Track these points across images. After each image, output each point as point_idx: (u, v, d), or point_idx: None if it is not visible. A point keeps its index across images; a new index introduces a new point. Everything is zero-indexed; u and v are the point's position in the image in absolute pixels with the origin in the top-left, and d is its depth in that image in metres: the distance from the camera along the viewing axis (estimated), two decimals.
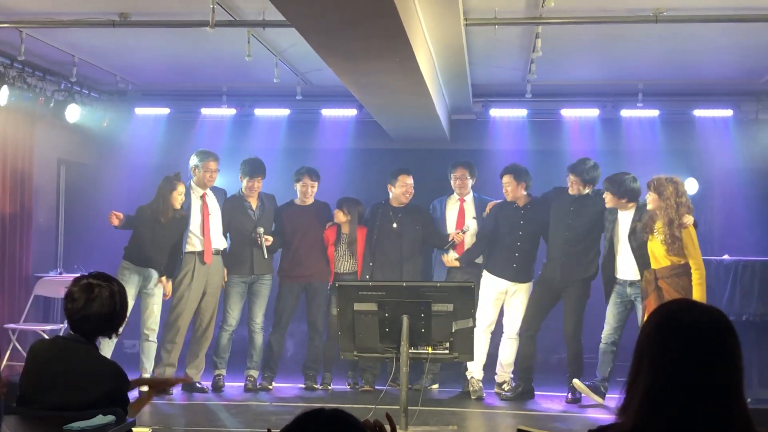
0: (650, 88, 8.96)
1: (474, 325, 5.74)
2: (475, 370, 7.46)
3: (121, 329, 3.47)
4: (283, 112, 9.62)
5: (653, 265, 6.76)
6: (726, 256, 7.80)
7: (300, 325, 8.32)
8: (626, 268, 7.06)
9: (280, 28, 6.33)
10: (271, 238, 7.63)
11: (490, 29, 6.43)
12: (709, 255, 8.42)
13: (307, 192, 7.88)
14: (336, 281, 6.81)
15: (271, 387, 7.75)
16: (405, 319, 5.43)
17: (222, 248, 7.70)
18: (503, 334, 7.56)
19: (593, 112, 9.29)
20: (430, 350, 5.59)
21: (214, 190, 7.81)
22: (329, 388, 7.76)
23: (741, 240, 8.80)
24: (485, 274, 7.52)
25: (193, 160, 7.65)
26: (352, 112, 9.45)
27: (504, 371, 7.55)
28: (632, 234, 6.96)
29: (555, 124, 9.45)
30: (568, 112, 9.36)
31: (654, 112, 9.19)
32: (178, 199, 7.36)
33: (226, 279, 7.74)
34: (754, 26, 6.51)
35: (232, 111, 9.62)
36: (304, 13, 4.89)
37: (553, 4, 5.41)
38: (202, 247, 7.56)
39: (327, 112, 9.59)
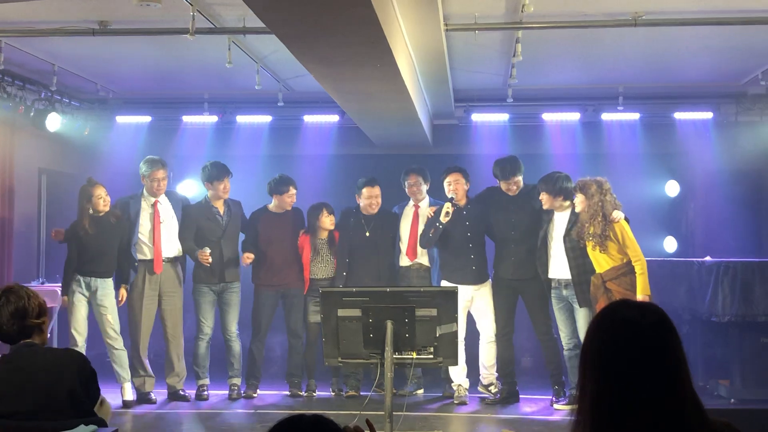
0: (630, 92, 9.02)
1: (457, 330, 5.74)
2: (459, 378, 7.46)
3: (48, 318, 3.53)
4: (265, 118, 9.61)
5: (598, 270, 6.78)
6: (708, 258, 7.84)
7: (279, 332, 8.29)
8: (558, 267, 7.07)
9: (260, 35, 6.33)
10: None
11: (471, 34, 6.46)
12: (690, 257, 8.50)
13: (292, 202, 7.85)
14: (318, 287, 6.79)
15: (255, 395, 7.73)
16: (389, 325, 5.42)
17: (174, 256, 7.58)
18: (480, 339, 7.53)
19: (574, 116, 9.34)
20: (414, 355, 5.57)
21: (171, 196, 7.72)
22: (314, 394, 7.74)
23: (722, 241, 8.87)
24: (444, 284, 7.46)
25: (142, 168, 7.53)
26: (334, 118, 9.45)
27: (489, 373, 7.54)
28: (567, 235, 6.99)
29: (536, 128, 9.49)
30: (549, 116, 9.41)
31: (634, 116, 9.25)
32: (98, 204, 7.18)
33: (182, 284, 7.66)
34: (733, 29, 6.57)
35: (214, 118, 9.60)
36: (283, 19, 4.88)
37: (532, 9, 5.45)
38: (152, 256, 7.47)
39: (309, 119, 9.59)
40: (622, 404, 1.94)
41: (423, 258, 7.73)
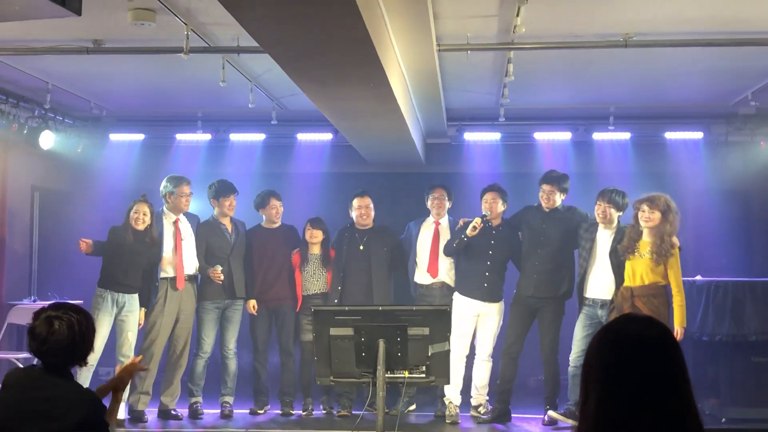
0: (621, 111, 9.08)
1: (449, 349, 5.75)
2: (452, 395, 7.46)
3: (89, 357, 3.45)
4: (259, 136, 9.65)
5: (628, 283, 6.68)
6: (699, 277, 7.88)
7: (270, 351, 8.27)
8: (601, 286, 7.00)
9: (254, 54, 6.36)
10: (222, 276, 7.54)
11: (463, 54, 6.50)
12: (682, 276, 8.52)
13: (278, 213, 7.87)
14: (310, 305, 6.79)
15: (262, 411, 7.74)
16: (381, 344, 5.42)
17: (193, 274, 7.64)
18: (476, 357, 7.54)
19: (566, 135, 9.40)
20: (406, 374, 5.58)
21: (187, 215, 7.77)
22: (313, 413, 7.72)
23: (713, 261, 8.89)
24: (456, 296, 7.49)
25: (166, 187, 7.58)
26: (327, 137, 9.49)
27: (479, 394, 7.54)
28: (613, 252, 6.92)
29: (528, 147, 9.54)
30: (541, 135, 9.47)
31: (625, 135, 9.31)
32: (134, 218, 7.20)
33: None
34: (723, 50, 6.62)
35: (207, 136, 9.63)
36: (277, 39, 4.92)
37: (524, 30, 5.49)
38: (175, 273, 7.51)
39: (302, 137, 9.63)
40: (625, 418, 1.95)
41: (447, 277, 7.69)
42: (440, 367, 5.57)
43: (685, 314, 6.60)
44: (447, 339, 5.53)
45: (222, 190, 7.74)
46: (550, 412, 7.22)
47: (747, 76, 7.72)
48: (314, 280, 7.77)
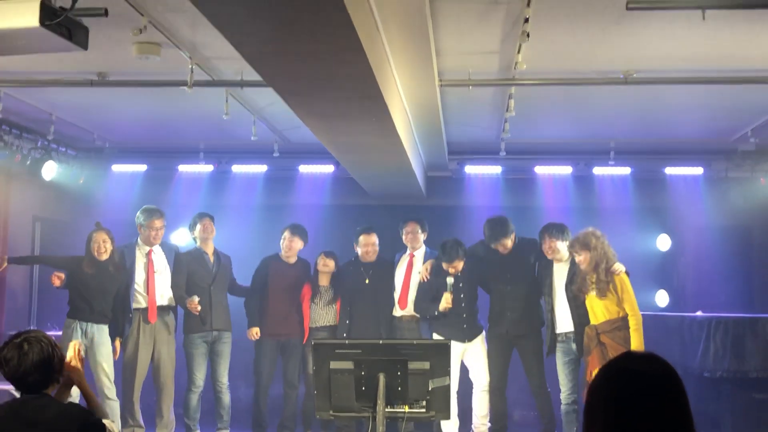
0: (622, 147, 9.13)
1: (449, 384, 5.73)
2: (449, 430, 7.41)
3: (62, 374, 3.44)
4: (261, 168, 9.67)
5: (592, 321, 6.72)
6: (699, 313, 7.87)
7: (276, 383, 8.23)
8: (564, 320, 7.02)
9: (257, 87, 6.41)
10: (199, 307, 7.47)
11: (465, 90, 6.55)
12: (682, 311, 8.52)
13: (291, 249, 7.87)
14: (312, 339, 6.78)
15: None
16: (381, 378, 5.40)
17: (166, 305, 7.54)
18: (474, 389, 7.50)
19: (566, 170, 9.43)
20: (406, 409, 5.55)
21: (164, 246, 7.70)
22: None
23: (713, 297, 8.89)
24: (436, 337, 7.40)
25: (139, 218, 7.54)
26: (329, 169, 9.52)
27: (481, 423, 7.49)
28: (569, 285, 6.96)
29: (529, 181, 9.57)
30: (541, 170, 9.50)
31: (626, 170, 9.35)
32: (94, 247, 7.16)
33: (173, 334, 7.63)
34: (723, 87, 6.67)
35: (210, 167, 9.66)
36: (281, 75, 4.96)
37: (525, 66, 5.53)
38: (146, 304, 7.46)
39: (304, 169, 9.66)
40: None
41: (413, 308, 7.71)
42: (441, 401, 5.54)
43: (641, 338, 6.53)
44: (447, 373, 5.51)
45: (196, 219, 7.73)
46: None
47: (747, 113, 7.77)
48: (323, 313, 7.77)
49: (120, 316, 7.34)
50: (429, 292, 7.44)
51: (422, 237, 7.84)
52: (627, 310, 6.61)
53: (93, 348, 7.15)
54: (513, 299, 7.33)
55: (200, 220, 7.72)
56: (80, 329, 7.13)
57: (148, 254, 7.55)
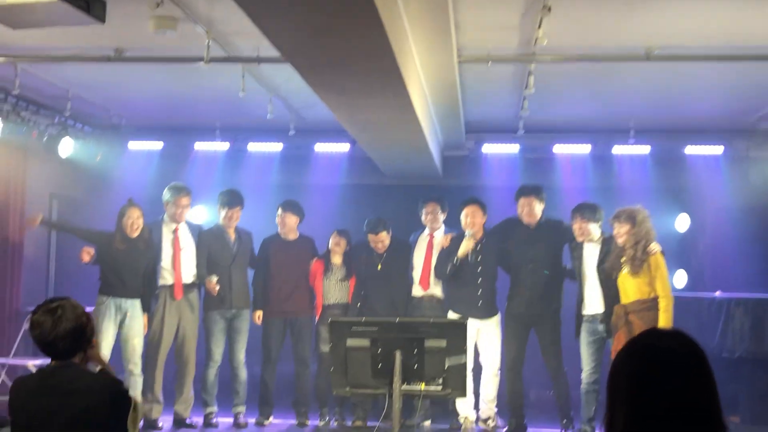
0: (641, 125, 9.04)
1: (466, 362, 5.71)
2: (466, 410, 7.41)
3: (94, 340, 3.44)
4: (276, 147, 9.65)
5: (623, 300, 6.63)
6: (718, 293, 7.81)
7: (287, 361, 8.25)
8: (593, 301, 6.95)
9: (273, 64, 6.37)
10: (217, 287, 7.49)
11: (484, 66, 6.49)
12: (701, 291, 8.46)
13: (286, 225, 7.85)
14: (327, 316, 6.77)
15: (267, 422, 7.72)
16: (398, 355, 5.40)
17: (191, 282, 7.59)
18: (483, 372, 7.47)
19: (585, 149, 9.35)
20: (422, 386, 5.55)
21: (189, 224, 7.74)
22: (329, 423, 7.70)
23: (733, 277, 8.82)
24: (451, 314, 7.42)
25: (165, 195, 7.58)
26: (345, 147, 9.48)
27: (488, 407, 7.48)
28: (600, 266, 6.89)
29: (547, 161, 9.49)
30: (560, 149, 9.42)
31: (645, 149, 9.25)
32: (128, 224, 7.19)
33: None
34: (745, 65, 6.59)
35: (225, 145, 9.64)
36: (299, 50, 4.92)
37: (546, 42, 5.46)
38: (173, 281, 7.50)
39: (320, 147, 9.62)
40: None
41: (436, 289, 7.67)
42: (457, 379, 5.53)
43: (670, 320, 6.43)
44: (464, 352, 5.50)
45: (232, 201, 7.72)
46: None
47: None
48: (336, 290, 7.76)
49: (147, 292, 7.38)
50: (448, 258, 7.41)
51: (442, 217, 7.80)
52: (658, 290, 6.48)
53: (126, 323, 7.21)
54: (533, 278, 7.28)
55: (230, 207, 7.69)
56: (114, 305, 7.17)
57: (175, 231, 7.59)
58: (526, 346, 7.45)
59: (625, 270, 6.57)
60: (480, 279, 7.39)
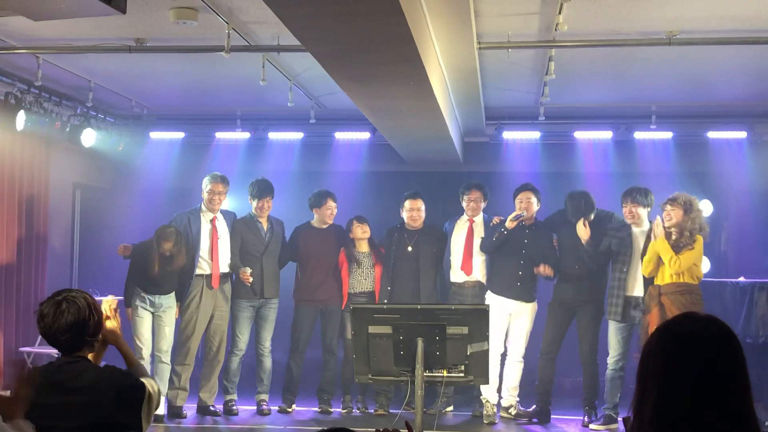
0: (663, 110, 8.96)
1: (488, 348, 5.72)
2: (489, 394, 7.42)
3: (100, 336, 3.38)
4: (297, 135, 9.67)
5: (658, 281, 6.75)
6: (742, 278, 7.76)
7: (313, 348, 8.28)
8: (637, 286, 7.06)
9: (294, 53, 6.37)
10: (251, 279, 7.55)
11: (504, 52, 6.46)
12: (724, 277, 8.40)
13: (332, 214, 7.89)
14: (351, 304, 6.80)
15: (290, 410, 7.77)
16: (420, 342, 5.41)
17: (227, 272, 7.69)
18: (507, 358, 7.51)
19: (606, 135, 9.29)
20: (445, 373, 5.55)
21: (224, 213, 7.82)
22: (352, 411, 7.75)
23: (756, 262, 8.76)
24: (489, 294, 7.48)
25: (204, 183, 7.69)
26: (365, 135, 9.48)
27: (510, 395, 7.50)
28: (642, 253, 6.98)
29: (568, 147, 9.45)
30: (581, 135, 9.36)
31: (667, 134, 9.18)
32: (164, 248, 7.24)
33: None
34: None
35: (246, 135, 9.67)
36: (319, 38, 4.92)
37: (566, 27, 5.43)
38: (210, 271, 7.58)
39: (340, 135, 9.63)
40: (684, 416, 1.92)
41: (480, 275, 7.68)
42: (479, 366, 5.54)
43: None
44: (486, 338, 5.50)
45: (262, 191, 7.76)
46: (592, 426, 7.18)
47: None
48: (362, 279, 7.79)
49: (184, 281, 7.50)
50: (494, 232, 7.47)
51: (483, 205, 7.82)
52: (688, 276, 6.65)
53: (159, 312, 7.34)
54: (584, 265, 7.33)
55: (261, 197, 7.74)
56: (148, 300, 7.33)
57: (212, 221, 7.66)
58: (565, 334, 7.49)
59: (669, 248, 6.64)
60: (522, 261, 7.44)
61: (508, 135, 9.49)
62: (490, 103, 8.52)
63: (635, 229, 7.14)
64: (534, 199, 7.49)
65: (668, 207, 6.73)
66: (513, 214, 7.37)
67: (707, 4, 5.66)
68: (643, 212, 7.10)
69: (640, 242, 7.06)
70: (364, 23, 4.54)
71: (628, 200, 7.13)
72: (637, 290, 7.06)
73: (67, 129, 8.34)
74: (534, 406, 7.49)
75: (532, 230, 7.52)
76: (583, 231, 7.27)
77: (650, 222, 7.02)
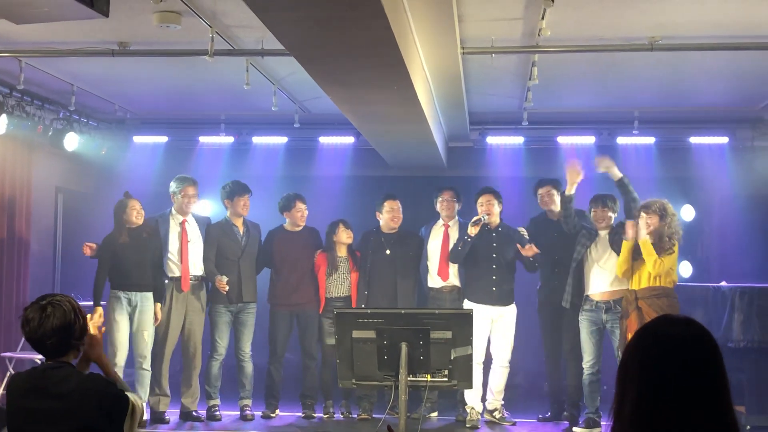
0: (646, 116, 9.01)
1: (472, 353, 5.72)
2: (473, 400, 7.42)
3: (88, 338, 3.37)
4: (281, 139, 9.66)
5: (633, 286, 6.81)
6: (723, 283, 7.80)
7: (293, 353, 8.26)
8: (596, 285, 7.12)
9: (278, 57, 6.37)
10: (227, 288, 7.51)
11: (487, 58, 6.48)
12: (706, 281, 8.44)
13: (303, 216, 7.87)
14: (333, 308, 6.79)
15: (274, 415, 7.73)
16: (404, 347, 5.41)
17: (200, 275, 7.63)
18: (493, 363, 7.50)
19: (589, 140, 9.32)
20: (429, 378, 5.55)
21: (197, 217, 7.78)
22: (333, 416, 7.72)
23: (738, 266, 8.81)
24: (467, 302, 7.44)
25: (172, 186, 7.63)
26: (349, 140, 9.49)
27: (496, 399, 7.51)
28: (612, 240, 7.11)
29: (551, 152, 9.46)
30: (564, 140, 9.40)
31: (650, 140, 9.23)
32: (132, 214, 7.25)
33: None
34: (750, 54, 6.56)
35: (230, 139, 9.65)
36: (303, 42, 4.93)
37: (549, 33, 5.45)
38: (180, 274, 7.53)
39: (324, 140, 9.63)
40: (663, 419, 1.93)
41: (456, 280, 7.68)
42: (463, 371, 5.54)
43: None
44: (470, 343, 5.51)
45: (235, 190, 7.73)
46: (575, 429, 7.21)
47: None
48: (338, 284, 7.76)
49: (158, 281, 7.42)
50: (460, 240, 7.50)
51: (457, 207, 7.81)
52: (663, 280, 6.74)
53: (136, 316, 7.27)
54: (561, 268, 7.41)
55: (232, 197, 7.71)
56: (125, 299, 7.24)
57: (182, 224, 7.62)
58: (562, 335, 7.55)
59: (649, 258, 6.71)
60: (495, 266, 7.44)
61: (491, 140, 9.51)
62: (473, 108, 8.55)
63: (601, 232, 7.22)
64: (495, 202, 7.50)
65: (644, 215, 6.77)
66: (473, 219, 7.37)
67: (689, 11, 5.70)
68: (611, 215, 7.20)
69: (606, 245, 7.12)
70: (348, 28, 4.55)
71: (599, 205, 7.23)
72: (593, 289, 7.12)
73: (50, 133, 8.30)
74: (507, 413, 7.53)
75: (499, 233, 7.51)
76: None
77: (612, 227, 7.13)
